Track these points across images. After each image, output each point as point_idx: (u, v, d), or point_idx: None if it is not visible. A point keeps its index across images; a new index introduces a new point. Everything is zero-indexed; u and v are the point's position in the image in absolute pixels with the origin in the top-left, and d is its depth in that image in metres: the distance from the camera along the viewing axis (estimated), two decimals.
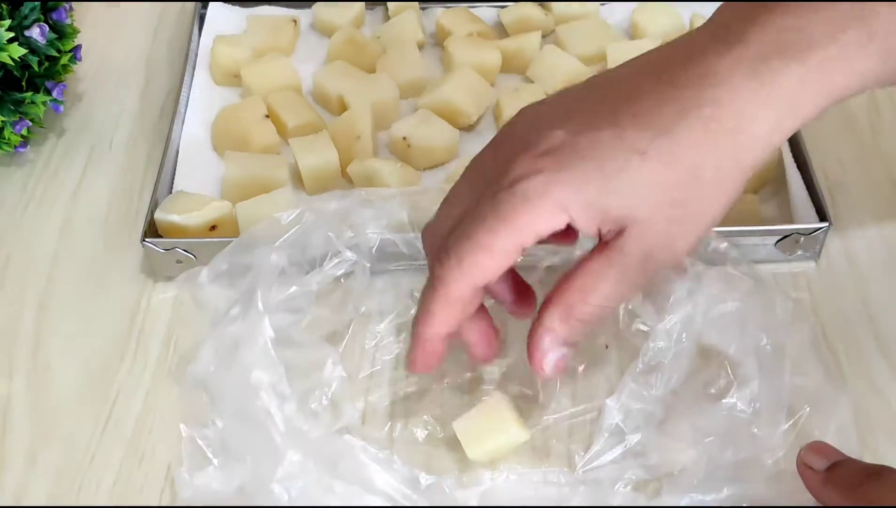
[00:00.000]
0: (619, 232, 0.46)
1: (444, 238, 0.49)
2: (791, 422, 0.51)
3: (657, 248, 0.47)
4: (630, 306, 0.58)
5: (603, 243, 0.48)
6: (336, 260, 0.59)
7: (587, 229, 0.47)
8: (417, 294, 0.61)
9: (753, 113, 0.45)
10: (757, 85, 0.45)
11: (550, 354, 0.50)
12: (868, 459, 0.54)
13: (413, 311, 0.60)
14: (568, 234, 0.49)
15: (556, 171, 0.46)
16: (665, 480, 0.52)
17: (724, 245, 0.57)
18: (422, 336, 0.50)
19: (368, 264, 0.60)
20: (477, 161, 0.50)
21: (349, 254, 0.59)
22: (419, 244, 0.60)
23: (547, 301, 0.49)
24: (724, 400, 0.52)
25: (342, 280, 0.60)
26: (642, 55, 0.49)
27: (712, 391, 0.53)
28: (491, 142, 0.50)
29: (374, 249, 0.60)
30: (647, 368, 0.54)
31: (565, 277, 0.49)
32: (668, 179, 0.46)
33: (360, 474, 0.49)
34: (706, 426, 0.52)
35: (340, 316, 0.61)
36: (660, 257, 0.47)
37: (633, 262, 0.47)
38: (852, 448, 0.50)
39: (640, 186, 0.45)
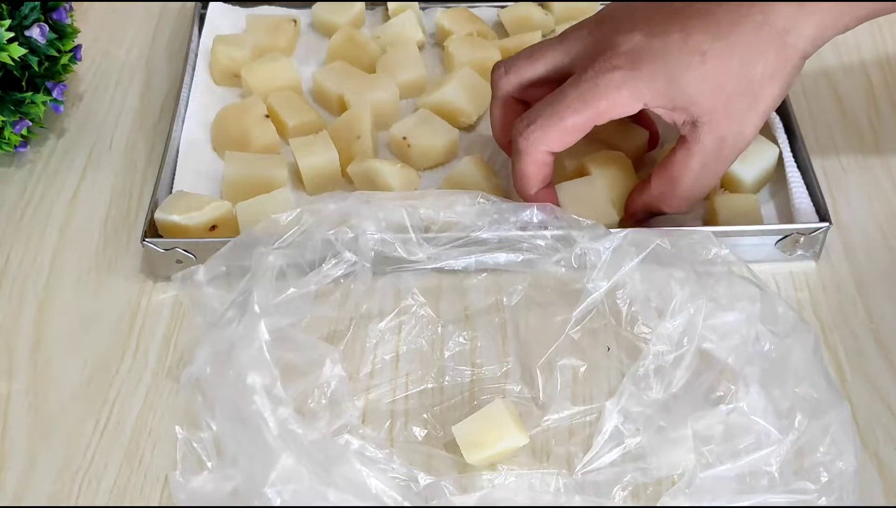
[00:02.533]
0: (693, 124, 0.57)
1: (519, 88, 0.62)
2: (790, 430, 0.51)
3: (728, 133, 0.57)
4: (633, 309, 0.58)
5: (682, 137, 0.58)
6: (335, 261, 0.59)
7: (663, 114, 0.58)
8: (417, 294, 0.62)
9: (798, 17, 0.55)
10: None
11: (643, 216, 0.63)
12: (867, 461, 0.54)
13: (414, 309, 0.61)
14: (647, 123, 0.66)
15: (631, 69, 0.56)
16: (664, 484, 0.52)
17: (725, 251, 0.57)
18: (531, 196, 0.62)
19: (368, 265, 0.60)
20: (573, 35, 0.61)
21: (349, 255, 0.59)
22: (418, 245, 0.60)
23: (647, 180, 0.61)
24: (723, 406, 0.52)
25: (342, 281, 0.60)
26: None
27: (712, 396, 0.53)
28: (591, 20, 0.61)
29: (373, 250, 0.60)
30: (647, 371, 0.54)
31: (657, 167, 0.61)
32: (724, 74, 0.56)
33: (354, 479, 0.49)
34: (705, 431, 0.52)
35: (341, 316, 0.61)
36: (732, 142, 0.57)
37: (709, 148, 0.57)
38: (850, 462, 0.50)
39: (701, 81, 0.55)
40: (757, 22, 0.55)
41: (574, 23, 0.77)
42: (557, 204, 0.62)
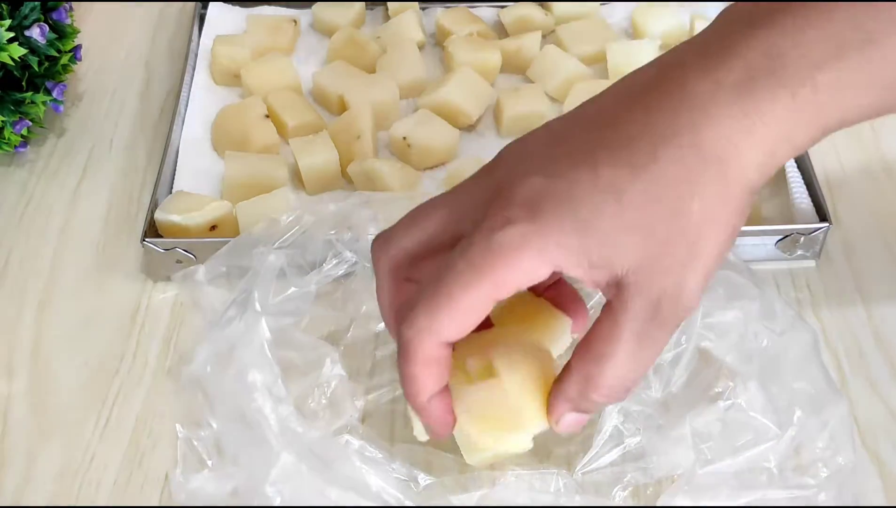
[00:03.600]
0: (618, 286, 0.42)
1: (402, 261, 0.47)
2: (789, 426, 0.51)
3: (664, 297, 0.42)
4: None
5: (608, 304, 0.44)
6: (335, 261, 0.59)
7: (582, 279, 0.43)
8: None
9: (738, 142, 0.41)
10: (739, 112, 0.41)
11: (568, 416, 0.47)
12: (868, 460, 0.54)
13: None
14: (565, 297, 0.49)
15: (532, 220, 0.42)
16: (664, 484, 0.52)
17: None
18: (420, 405, 0.46)
19: (368, 265, 0.60)
20: (461, 187, 0.47)
21: (349, 255, 0.59)
22: None
23: (568, 365, 0.46)
24: (721, 402, 0.52)
25: (342, 281, 0.60)
26: (627, 76, 0.45)
27: (710, 393, 0.53)
28: (473, 176, 0.46)
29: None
30: (650, 371, 0.54)
31: (580, 342, 0.45)
32: (648, 220, 0.41)
33: (355, 477, 0.49)
34: (704, 430, 0.52)
35: (341, 316, 0.61)
36: (670, 305, 0.42)
37: (641, 315, 0.43)
38: (849, 457, 0.50)
39: (620, 228, 0.42)
40: (684, 147, 0.41)
41: (574, 22, 0.79)
42: (452, 417, 0.47)
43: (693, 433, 0.51)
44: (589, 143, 0.43)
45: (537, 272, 0.43)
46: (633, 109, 0.43)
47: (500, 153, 0.46)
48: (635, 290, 0.42)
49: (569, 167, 0.43)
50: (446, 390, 0.47)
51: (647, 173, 0.41)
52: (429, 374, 0.45)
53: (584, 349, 0.45)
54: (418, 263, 0.48)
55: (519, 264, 0.42)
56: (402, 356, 0.45)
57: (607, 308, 0.43)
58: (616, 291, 0.43)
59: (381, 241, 0.48)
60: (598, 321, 0.44)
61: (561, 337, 0.50)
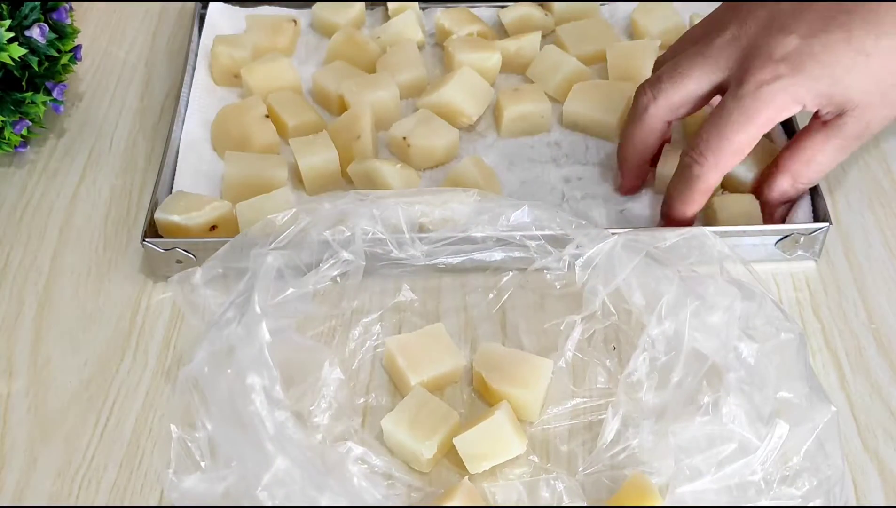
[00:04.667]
0: (839, 114, 0.58)
1: (673, 110, 0.61)
2: (775, 430, 0.50)
3: (873, 122, 0.58)
4: (632, 309, 0.58)
5: (820, 121, 0.59)
6: (332, 261, 0.59)
7: (812, 110, 0.58)
8: (409, 291, 0.61)
9: None
10: None
11: (780, 207, 0.64)
12: (867, 460, 0.54)
13: (399, 296, 0.61)
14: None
15: (794, 75, 0.56)
16: (663, 488, 0.52)
17: (724, 250, 0.57)
18: (685, 218, 0.62)
19: (364, 263, 0.60)
20: (715, 43, 0.59)
21: (345, 254, 0.59)
22: (412, 243, 0.60)
23: (773, 169, 0.62)
24: (711, 408, 0.52)
25: (338, 279, 0.60)
26: None
27: (704, 399, 0.53)
28: (719, 32, 0.60)
29: (368, 248, 0.60)
30: (645, 373, 0.54)
31: (788, 148, 0.61)
32: (886, 70, 0.56)
33: (351, 485, 0.49)
34: (697, 432, 0.51)
35: (337, 315, 0.61)
36: (875, 126, 0.59)
37: (851, 135, 0.59)
38: (839, 462, 0.50)
39: (865, 81, 0.56)
40: None
41: (574, 22, 0.79)
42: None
43: (687, 436, 0.51)
44: (841, 10, 0.56)
45: (790, 112, 0.57)
46: None
47: (735, 8, 0.60)
48: (856, 116, 0.57)
49: (824, 30, 0.56)
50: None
51: (891, 38, 0.55)
52: (706, 198, 0.61)
53: (792, 153, 0.61)
54: (679, 112, 0.62)
55: (780, 110, 0.57)
56: (687, 187, 0.61)
57: (819, 124, 0.59)
58: (836, 117, 0.58)
59: (649, 93, 0.62)
60: (808, 131, 0.60)
61: (542, 378, 0.56)
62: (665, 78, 0.61)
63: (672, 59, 0.62)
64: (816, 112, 0.59)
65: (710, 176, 0.60)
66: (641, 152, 0.64)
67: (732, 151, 0.59)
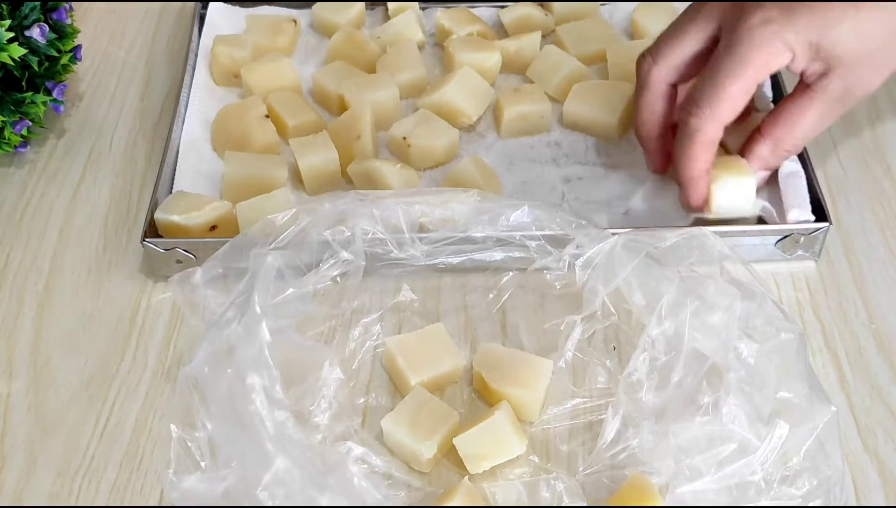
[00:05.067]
0: (824, 73, 0.58)
1: (674, 73, 0.61)
2: (775, 431, 0.50)
3: (856, 84, 0.58)
4: (632, 309, 0.58)
5: (804, 85, 0.59)
6: (332, 261, 0.59)
7: (799, 66, 0.58)
8: (409, 291, 0.62)
9: None
10: None
11: (759, 174, 0.63)
12: (867, 460, 0.54)
13: (400, 296, 0.61)
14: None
15: (786, 18, 0.56)
16: (662, 489, 0.52)
17: (724, 250, 0.57)
18: (693, 177, 0.61)
19: (364, 263, 0.60)
20: (703, 6, 0.60)
21: (345, 254, 0.59)
22: (412, 243, 0.60)
23: (755, 134, 0.62)
24: (711, 408, 0.52)
25: (338, 279, 0.60)
26: None
27: (705, 399, 0.53)
28: None
29: (368, 248, 0.60)
30: (645, 373, 0.54)
31: (771, 114, 0.61)
32: (873, 24, 0.56)
33: (351, 485, 0.49)
34: (697, 432, 0.51)
35: (337, 315, 0.61)
36: (857, 91, 0.58)
37: (834, 97, 0.58)
38: (839, 462, 0.50)
39: (855, 30, 0.56)
40: None
41: (574, 22, 0.79)
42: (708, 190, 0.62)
43: (687, 436, 0.51)
44: None
45: (782, 60, 0.57)
46: None
47: None
48: (840, 74, 0.57)
49: None
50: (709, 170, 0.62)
51: None
52: (709, 152, 0.60)
53: (775, 118, 0.61)
54: (679, 71, 0.62)
55: (771, 56, 0.57)
56: (688, 142, 0.60)
57: (804, 87, 0.59)
58: (819, 77, 0.58)
59: (649, 58, 0.62)
60: (791, 98, 0.60)
61: (542, 378, 0.56)
62: (661, 41, 0.62)
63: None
64: (801, 75, 0.59)
65: (708, 127, 0.59)
66: (655, 122, 0.64)
67: (728, 100, 0.58)
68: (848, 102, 0.59)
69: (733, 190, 0.62)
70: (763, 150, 0.62)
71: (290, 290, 0.57)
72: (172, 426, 0.52)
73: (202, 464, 0.51)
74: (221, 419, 0.50)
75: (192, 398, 0.52)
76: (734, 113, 0.59)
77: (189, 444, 0.51)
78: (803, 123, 0.60)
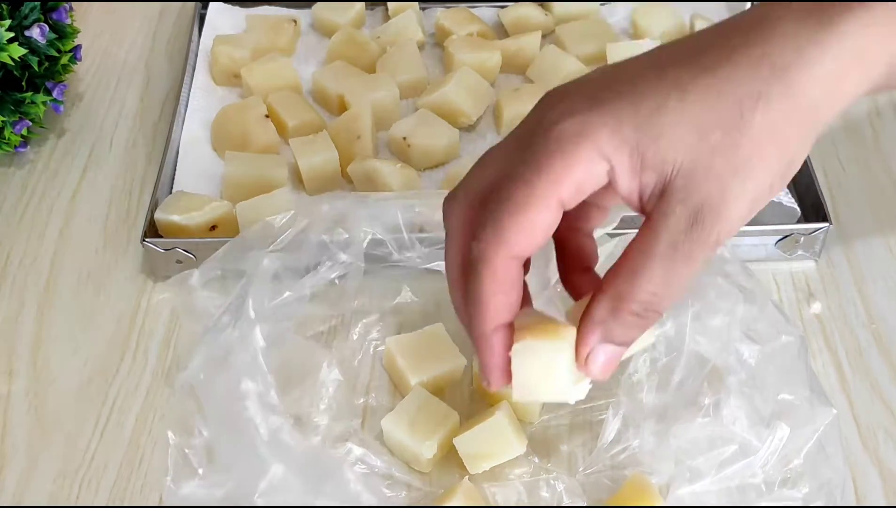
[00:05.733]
0: (663, 192, 0.42)
1: (473, 207, 0.45)
2: (776, 432, 0.50)
3: (705, 205, 0.41)
4: None
5: (646, 218, 0.43)
6: (330, 263, 0.59)
7: (629, 183, 0.42)
8: (409, 293, 0.61)
9: (811, 53, 0.40)
10: (815, 24, 0.40)
11: (599, 353, 0.43)
12: (867, 461, 0.54)
13: (399, 298, 0.61)
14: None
15: (590, 110, 0.41)
16: (662, 489, 0.52)
17: (724, 251, 0.57)
18: (483, 335, 0.44)
19: (363, 265, 0.60)
20: (512, 133, 0.46)
21: (343, 256, 0.59)
22: (411, 245, 0.60)
23: (597, 290, 0.44)
24: (712, 409, 0.52)
25: (336, 281, 0.60)
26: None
27: (705, 400, 0.53)
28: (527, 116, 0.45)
29: (366, 250, 0.60)
30: (643, 373, 0.54)
31: (615, 264, 0.43)
32: (708, 118, 0.41)
33: (348, 490, 0.49)
34: (698, 433, 0.51)
35: (334, 316, 0.61)
36: (710, 220, 0.41)
37: (680, 226, 0.41)
38: (840, 464, 0.50)
39: (679, 123, 0.41)
40: (754, 56, 0.41)
41: (574, 22, 0.79)
42: (509, 364, 0.44)
43: (687, 438, 0.51)
44: (654, 57, 0.43)
45: (594, 168, 0.42)
46: (706, 34, 0.43)
47: (546, 94, 0.45)
48: (680, 195, 0.41)
49: (635, 74, 0.42)
50: (511, 330, 0.44)
51: (715, 73, 0.41)
52: (498, 293, 0.43)
53: (616, 269, 0.43)
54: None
55: (577, 157, 0.41)
56: (471, 276, 0.43)
57: (646, 224, 0.42)
58: (658, 200, 0.42)
59: (450, 198, 0.47)
60: (633, 240, 0.43)
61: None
62: (462, 182, 0.47)
63: None
64: (640, 202, 0.43)
65: (492, 259, 0.43)
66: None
67: (519, 223, 0.42)
68: (704, 236, 0.41)
69: (538, 361, 0.44)
70: (600, 312, 0.43)
71: (287, 293, 0.57)
72: (170, 433, 0.52)
73: (199, 471, 0.51)
74: (218, 425, 0.50)
75: (188, 405, 0.52)
76: (531, 242, 0.43)
77: (186, 451, 0.51)
78: (650, 269, 0.42)
